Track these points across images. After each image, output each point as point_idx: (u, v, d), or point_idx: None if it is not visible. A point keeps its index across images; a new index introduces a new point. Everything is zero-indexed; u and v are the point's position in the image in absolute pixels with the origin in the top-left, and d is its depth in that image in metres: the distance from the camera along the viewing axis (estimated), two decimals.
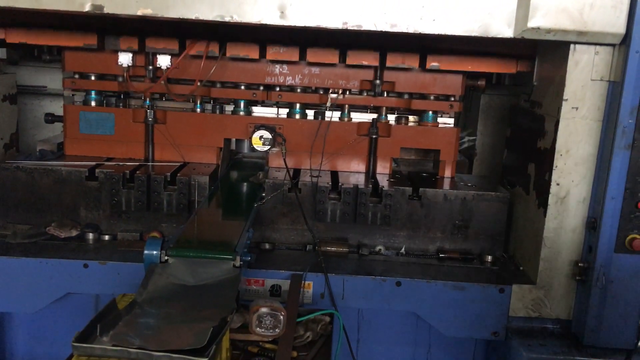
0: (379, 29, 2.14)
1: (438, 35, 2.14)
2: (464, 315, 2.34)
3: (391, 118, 2.93)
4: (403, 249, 2.62)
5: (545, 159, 2.31)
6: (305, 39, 2.66)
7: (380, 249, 2.61)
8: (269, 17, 2.14)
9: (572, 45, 2.16)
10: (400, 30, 2.14)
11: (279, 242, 2.62)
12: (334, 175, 2.77)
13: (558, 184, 2.24)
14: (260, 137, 2.67)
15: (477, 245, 2.61)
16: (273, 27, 2.18)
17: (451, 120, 2.94)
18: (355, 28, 2.14)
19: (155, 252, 1.92)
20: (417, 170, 3.02)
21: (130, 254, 2.41)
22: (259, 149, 2.69)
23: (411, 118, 2.93)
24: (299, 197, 2.55)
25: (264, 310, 1.86)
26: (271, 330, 1.85)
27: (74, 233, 2.53)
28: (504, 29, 2.12)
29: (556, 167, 2.23)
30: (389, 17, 2.12)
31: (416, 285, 2.34)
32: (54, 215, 2.58)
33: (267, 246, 2.58)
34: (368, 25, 2.14)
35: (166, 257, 1.92)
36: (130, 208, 2.56)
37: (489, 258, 2.56)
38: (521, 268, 2.49)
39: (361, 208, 2.54)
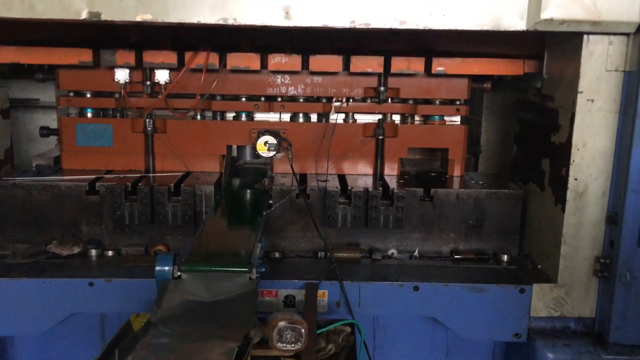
0: (388, 26, 2.07)
1: (448, 30, 2.07)
2: (485, 317, 2.27)
3: (396, 118, 2.87)
4: (416, 251, 2.55)
5: (560, 154, 2.25)
6: (306, 47, 2.59)
7: (392, 253, 2.54)
8: (273, 18, 2.06)
9: (585, 36, 2.10)
10: (409, 27, 2.07)
11: (289, 250, 2.55)
12: (342, 178, 2.70)
13: (576, 179, 2.18)
14: (265, 143, 2.60)
15: (492, 245, 2.55)
16: (276, 30, 2.11)
17: (457, 118, 2.88)
18: (363, 26, 2.07)
19: (167, 268, 1.83)
20: (424, 170, 2.96)
21: (136, 269, 2.32)
22: (264, 155, 2.61)
23: (417, 117, 2.87)
24: (307, 203, 2.48)
25: (283, 324, 1.78)
26: (292, 345, 1.77)
27: (76, 250, 2.44)
28: (516, 22, 2.06)
29: (573, 161, 2.17)
30: (397, 14, 2.05)
31: (434, 289, 2.27)
32: (55, 233, 2.49)
33: (276, 255, 2.50)
34: (376, 23, 2.07)
35: (179, 273, 1.84)
36: (133, 221, 2.47)
37: (505, 257, 2.49)
38: (539, 266, 2.43)
39: (372, 212, 2.47)
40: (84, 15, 2.01)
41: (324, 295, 2.26)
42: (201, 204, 2.50)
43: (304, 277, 2.30)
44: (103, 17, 2.02)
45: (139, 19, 2.03)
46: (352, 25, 2.07)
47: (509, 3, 2.04)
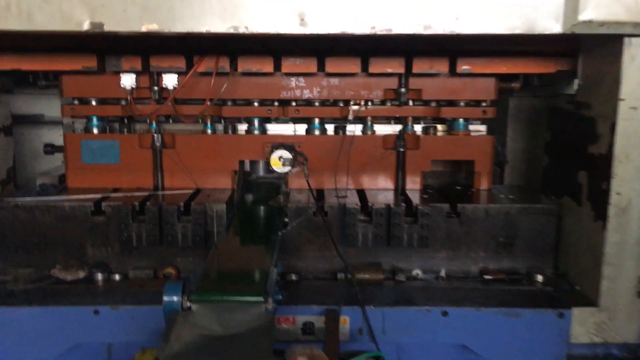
0: (411, 32, 1.91)
1: (477, 35, 1.91)
2: (520, 344, 2.09)
3: (418, 128, 2.71)
4: (443, 271, 2.39)
5: (600, 166, 2.08)
6: (322, 48, 2.44)
7: (417, 274, 2.38)
8: (287, 25, 1.92)
9: (626, 39, 1.93)
10: (434, 32, 1.91)
11: (306, 272, 2.40)
12: (361, 194, 2.54)
13: (619, 193, 2.01)
14: (280, 158, 2.45)
15: (525, 264, 2.38)
16: (290, 37, 1.97)
17: (483, 127, 2.71)
18: (384, 32, 1.92)
19: (176, 299, 1.69)
20: (448, 183, 2.79)
21: (144, 295, 2.18)
22: (278, 170, 2.46)
23: (439, 127, 2.70)
24: (325, 221, 2.32)
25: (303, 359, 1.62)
26: None
27: (81, 274, 2.31)
28: (551, 25, 1.89)
29: (616, 175, 2.00)
30: (421, 18, 1.90)
31: (465, 314, 2.10)
32: (59, 256, 2.36)
33: (293, 277, 2.35)
34: (399, 29, 1.91)
35: (188, 304, 1.69)
36: (141, 243, 2.33)
37: (540, 278, 2.32)
38: (578, 288, 2.25)
39: (395, 229, 2.31)
40: (86, 27, 1.88)
41: (345, 322, 2.10)
42: (212, 224, 2.36)
43: (323, 302, 2.14)
44: (106, 28, 1.89)
45: (144, 29, 1.89)
46: (373, 32, 1.92)
47: (542, 4, 1.88)
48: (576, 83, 2.36)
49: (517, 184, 2.99)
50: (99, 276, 2.33)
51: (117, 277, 2.35)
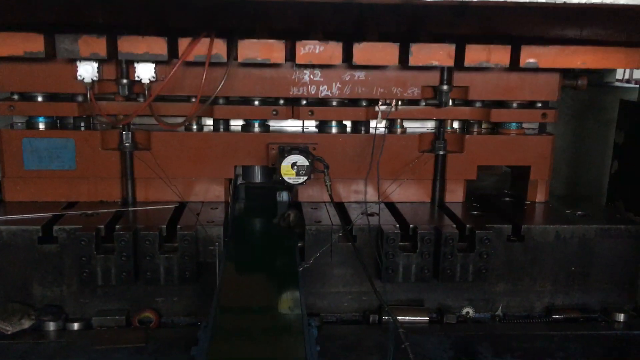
0: None
1: (600, 5, 1.38)
2: None
3: (456, 126, 2.18)
4: (499, 309, 1.90)
5: None
6: (340, 32, 1.86)
7: (468, 313, 1.89)
8: None
9: None
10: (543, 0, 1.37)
11: (328, 312, 1.87)
12: (392, 209, 2.01)
13: None
14: (293, 165, 1.87)
15: (599, 298, 1.93)
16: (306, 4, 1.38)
17: (535, 125, 2.21)
18: None
19: None
20: (481, 190, 2.27)
21: (116, 355, 1.59)
22: (291, 181, 1.88)
23: (484, 125, 2.18)
24: (356, 249, 1.78)
25: None
26: None
27: (26, 324, 1.72)
28: None
29: None
30: None
31: None
32: None
33: (312, 322, 1.79)
34: None
35: None
36: (109, 280, 1.73)
37: (621, 317, 1.86)
38: None
39: (445, 261, 1.79)
40: None
41: None
42: (205, 253, 1.78)
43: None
44: None
45: None
46: None
47: None
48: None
49: (558, 192, 2.52)
50: (51, 326, 1.73)
51: (75, 325, 1.76)
